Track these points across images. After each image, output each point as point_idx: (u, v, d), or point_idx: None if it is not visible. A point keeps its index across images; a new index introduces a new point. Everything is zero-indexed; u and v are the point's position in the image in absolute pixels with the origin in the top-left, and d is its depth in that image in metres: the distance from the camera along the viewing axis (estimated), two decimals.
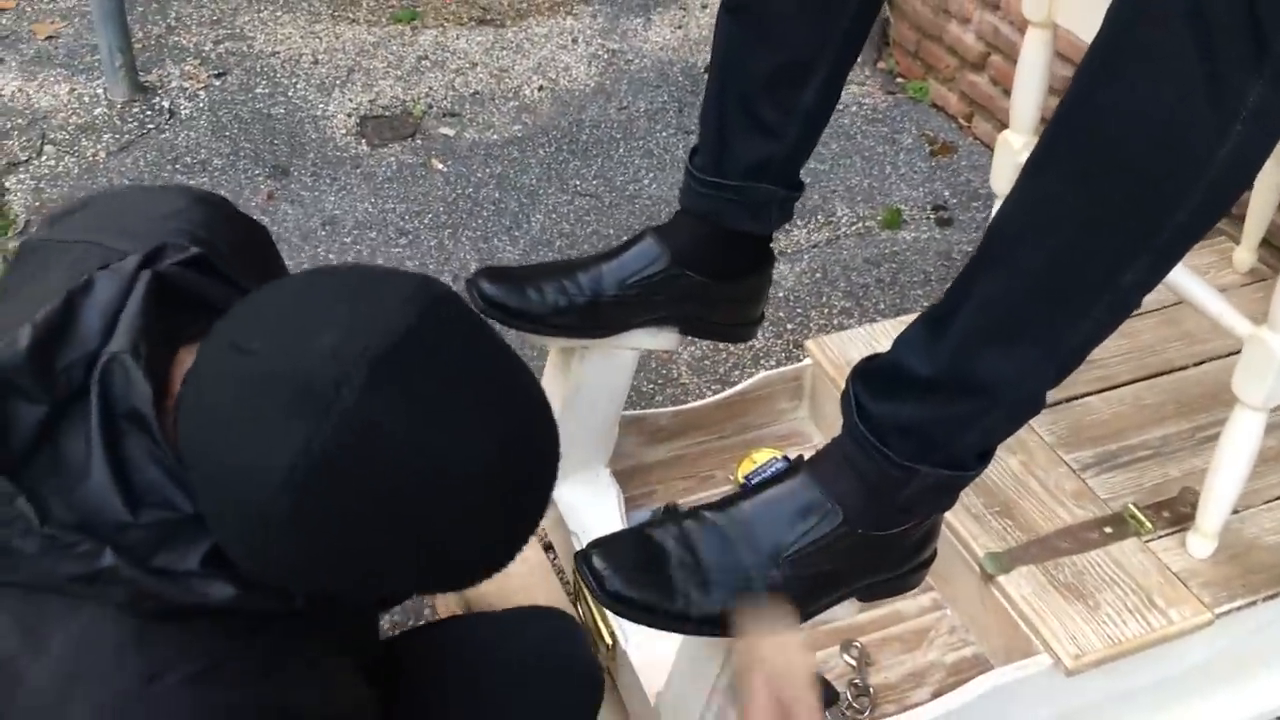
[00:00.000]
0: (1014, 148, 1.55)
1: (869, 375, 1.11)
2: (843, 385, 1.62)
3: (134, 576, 0.77)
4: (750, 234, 1.42)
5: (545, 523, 1.70)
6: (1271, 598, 1.37)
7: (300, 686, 0.87)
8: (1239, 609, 1.36)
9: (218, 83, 2.87)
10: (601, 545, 1.12)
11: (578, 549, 1.49)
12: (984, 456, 1.10)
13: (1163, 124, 0.91)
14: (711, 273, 1.42)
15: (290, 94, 2.84)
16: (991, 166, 1.60)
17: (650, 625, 1.09)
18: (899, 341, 1.10)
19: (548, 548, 1.69)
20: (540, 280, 1.41)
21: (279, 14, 3.14)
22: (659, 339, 1.47)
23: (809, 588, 1.10)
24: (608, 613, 1.38)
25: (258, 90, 2.85)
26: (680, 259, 1.40)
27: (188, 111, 2.76)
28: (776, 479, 1.14)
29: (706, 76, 1.39)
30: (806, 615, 1.12)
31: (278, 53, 2.99)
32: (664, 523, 1.13)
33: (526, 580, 1.61)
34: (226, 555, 0.78)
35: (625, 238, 2.41)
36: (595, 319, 1.42)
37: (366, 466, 0.72)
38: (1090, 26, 1.42)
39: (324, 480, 0.71)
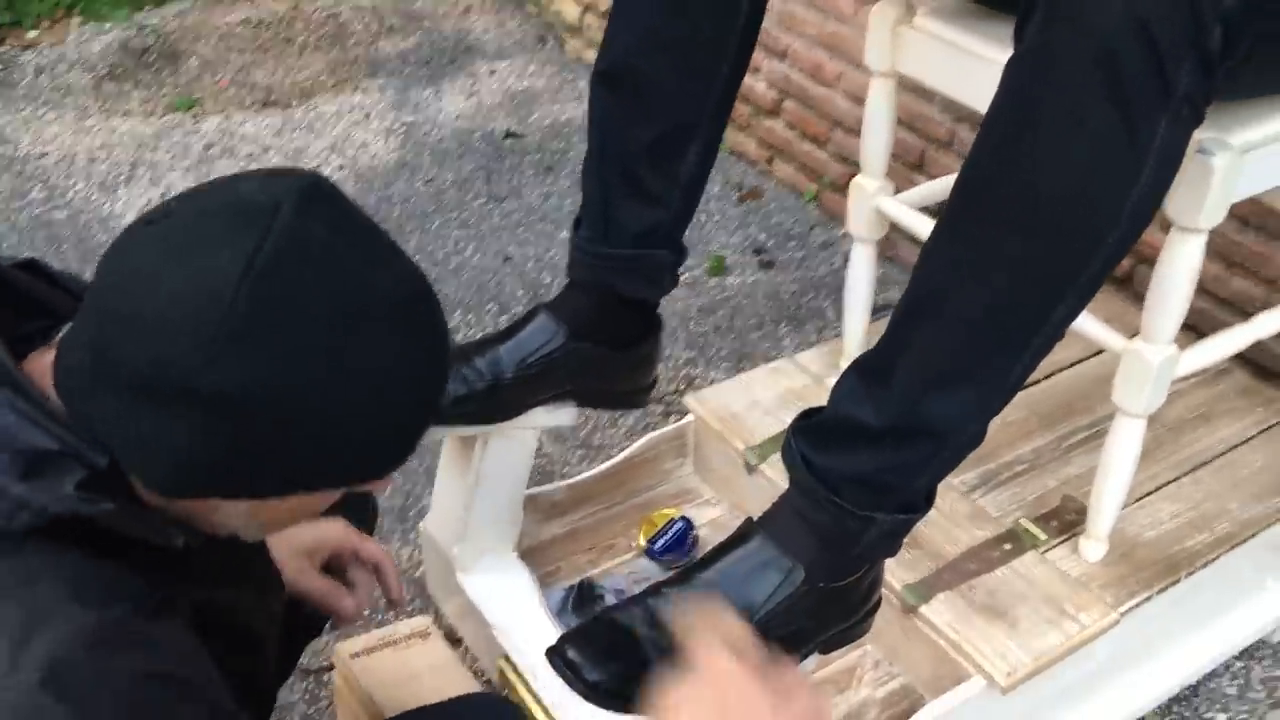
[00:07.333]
0: (868, 191, 1.62)
1: (812, 430, 1.13)
2: (728, 437, 1.66)
3: (6, 483, 0.76)
4: (643, 301, 1.42)
5: (453, 616, 1.65)
6: (1164, 590, 1.46)
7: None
8: (1139, 604, 1.44)
9: None
10: (572, 637, 1.09)
11: (500, 641, 1.45)
12: (930, 497, 1.14)
13: (1085, 168, 0.96)
14: (608, 343, 1.41)
15: (70, 196, 2.67)
16: (848, 211, 1.65)
17: (631, 712, 1.07)
18: (839, 395, 1.12)
19: (456, 643, 1.63)
20: None
21: (41, 111, 2.95)
22: (558, 415, 1.45)
23: (780, 650, 1.10)
24: (547, 705, 1.35)
25: (32, 195, 2.67)
26: (577, 332, 1.39)
27: None
28: (730, 544, 1.14)
29: (587, 146, 1.38)
30: None
31: (48, 153, 2.80)
32: (628, 604, 1.11)
33: (436, 681, 1.55)
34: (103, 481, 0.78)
35: (459, 313, 2.41)
36: (496, 403, 1.38)
37: (310, 272, 0.76)
38: (933, 72, 1.50)
39: (274, 282, 0.75)
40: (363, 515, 1.30)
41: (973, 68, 1.37)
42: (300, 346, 0.76)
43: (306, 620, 1.29)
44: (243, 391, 0.75)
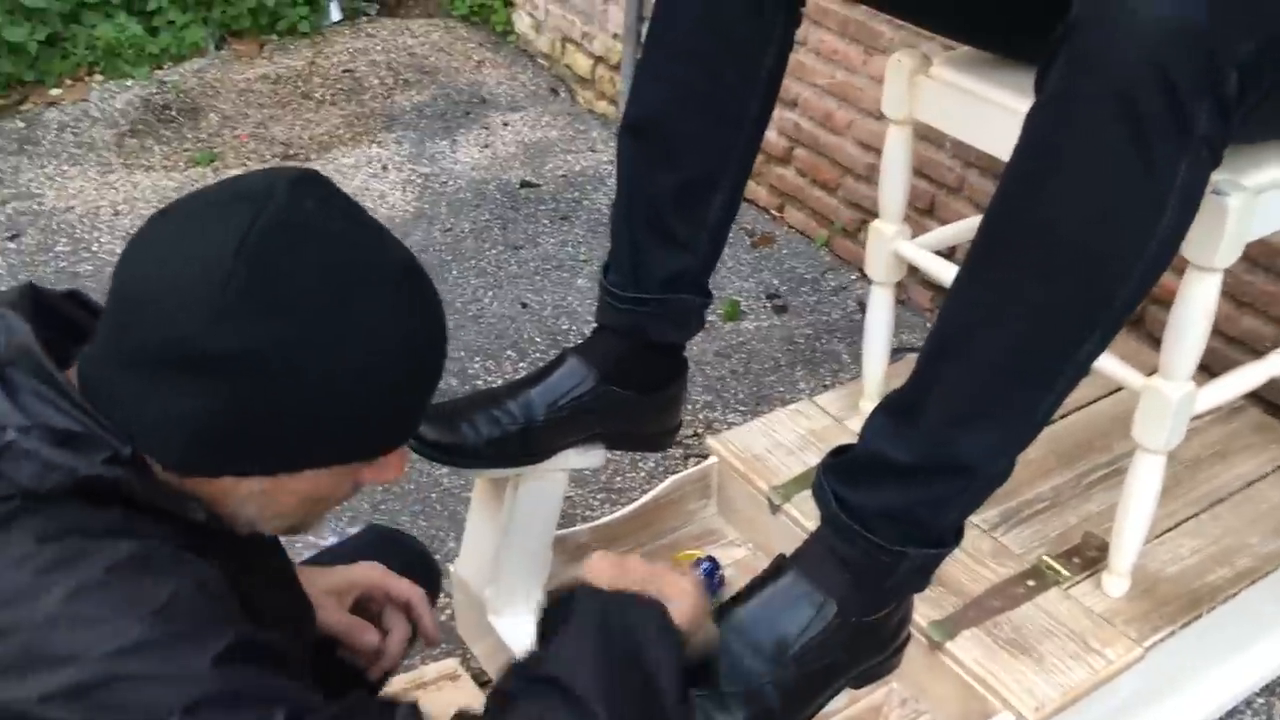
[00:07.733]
0: (886, 236, 1.65)
1: (842, 467, 1.15)
2: (752, 478, 1.69)
3: (37, 447, 0.81)
4: (671, 344, 1.45)
5: (483, 657, 1.66)
6: (1187, 624, 1.48)
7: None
8: (1163, 639, 1.46)
9: (12, 245, 2.71)
10: None
11: None
12: (959, 532, 1.16)
13: (1108, 210, 0.99)
14: (637, 386, 1.44)
15: (95, 249, 2.71)
16: (866, 255, 1.69)
17: None
18: (869, 432, 1.14)
19: (484, 685, 1.64)
20: (469, 413, 1.40)
21: (65, 168, 3.00)
22: (588, 457, 1.47)
23: (815, 684, 1.13)
24: None
25: (58, 249, 2.71)
26: (607, 375, 1.42)
27: None
28: (764, 580, 1.16)
29: (615, 194, 1.41)
30: (814, 710, 1.14)
31: (72, 208, 2.85)
32: None
33: None
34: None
35: (479, 359, 2.44)
36: (529, 445, 1.41)
37: (304, 241, 0.83)
38: (950, 120, 1.54)
39: (270, 250, 0.81)
40: (428, 576, 1.32)
41: (990, 115, 1.41)
42: (300, 309, 0.82)
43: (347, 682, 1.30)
44: (249, 353, 0.81)
